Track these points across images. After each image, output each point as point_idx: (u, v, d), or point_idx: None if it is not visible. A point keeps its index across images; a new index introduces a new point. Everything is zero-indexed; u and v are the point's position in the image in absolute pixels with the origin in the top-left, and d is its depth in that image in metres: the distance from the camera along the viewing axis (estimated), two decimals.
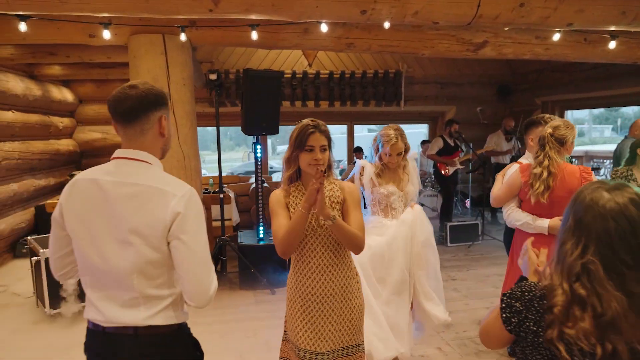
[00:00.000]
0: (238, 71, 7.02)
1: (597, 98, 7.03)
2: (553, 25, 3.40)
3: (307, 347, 1.87)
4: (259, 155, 4.61)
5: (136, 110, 1.35)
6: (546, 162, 2.39)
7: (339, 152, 9.45)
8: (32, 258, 3.99)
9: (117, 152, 1.41)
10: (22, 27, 3.37)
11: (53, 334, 3.68)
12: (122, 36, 4.17)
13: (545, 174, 2.38)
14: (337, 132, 10.45)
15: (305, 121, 1.84)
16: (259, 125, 4.46)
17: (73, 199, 1.38)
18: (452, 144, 6.25)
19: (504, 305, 1.14)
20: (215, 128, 4.69)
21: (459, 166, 6.29)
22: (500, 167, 6.76)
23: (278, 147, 20.36)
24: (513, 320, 1.12)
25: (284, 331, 2.04)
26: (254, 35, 3.71)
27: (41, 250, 3.86)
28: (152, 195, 1.33)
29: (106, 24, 3.61)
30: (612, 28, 3.60)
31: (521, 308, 1.11)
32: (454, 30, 4.47)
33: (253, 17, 3.15)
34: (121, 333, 1.37)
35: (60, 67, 6.38)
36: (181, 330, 1.46)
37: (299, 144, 1.81)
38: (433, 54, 4.65)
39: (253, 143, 4.61)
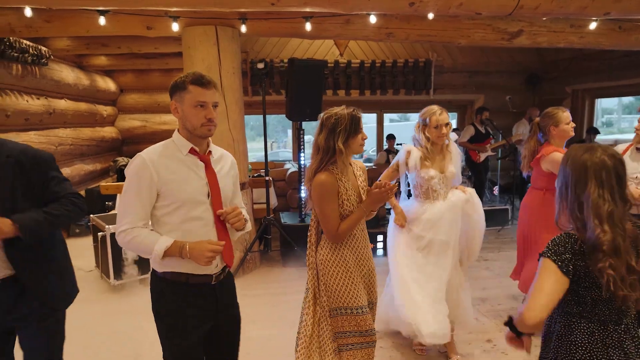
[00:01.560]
0: (272, 60, 7.35)
1: (629, 86, 7.14)
2: (590, 15, 3.62)
3: (371, 299, 2.23)
4: (302, 140, 4.95)
5: None
6: None
7: (368, 140, 9.72)
8: (98, 233, 4.41)
9: None
10: (102, 20, 3.75)
11: (118, 301, 4.10)
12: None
13: None
14: (367, 120, 10.74)
15: (345, 109, 2.06)
16: (303, 112, 4.78)
17: None
18: (483, 131, 6.49)
19: (554, 259, 1.42)
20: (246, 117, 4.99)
21: (490, 153, 6.53)
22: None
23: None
24: (570, 268, 1.41)
25: (334, 309, 2.14)
26: (308, 26, 4.03)
27: (106, 227, 4.28)
28: None
29: (175, 17, 3.96)
30: None
31: (570, 256, 1.42)
32: (490, 20, 4.69)
33: (307, 9, 3.46)
34: None
35: (106, 58, 6.80)
36: (154, 276, 1.86)
37: (355, 129, 2.05)
38: (469, 43, 4.89)
39: (297, 129, 4.93)
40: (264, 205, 5.18)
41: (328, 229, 2.08)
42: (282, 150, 16.55)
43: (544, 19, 4.44)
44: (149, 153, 1.76)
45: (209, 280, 1.84)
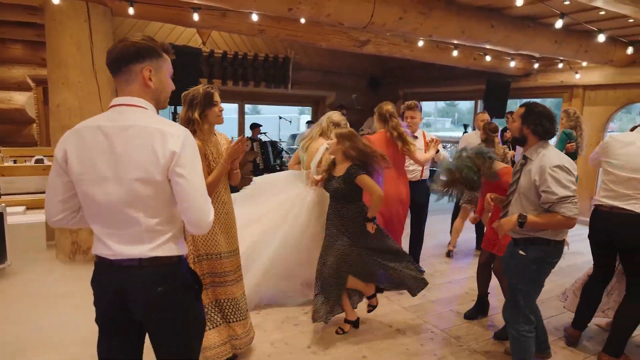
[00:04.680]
0: None
1: (443, 93, 9.23)
2: (420, 35, 4.89)
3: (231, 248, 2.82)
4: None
5: (118, 62, 1.53)
6: None
7: (231, 129, 10.17)
8: None
9: (114, 101, 1.56)
10: None
11: None
12: None
13: None
14: (230, 111, 11.14)
15: (201, 87, 2.55)
16: (177, 97, 5.10)
17: (79, 146, 1.52)
18: None
19: None
20: None
21: None
22: None
23: None
24: None
25: (197, 256, 2.64)
26: (196, 16, 4.40)
27: None
28: (152, 134, 1.49)
29: None
30: (455, 41, 5.28)
31: None
32: (346, 29, 5.76)
33: (197, 1, 3.90)
34: (127, 265, 1.55)
35: None
36: (180, 263, 1.65)
37: (208, 102, 2.55)
38: (329, 46, 5.89)
39: (171, 113, 5.23)
40: None
41: None
42: None
43: (388, 34, 5.68)
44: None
45: None
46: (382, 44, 6.11)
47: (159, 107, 1.63)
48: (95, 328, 1.69)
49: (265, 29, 5.35)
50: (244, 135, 2.55)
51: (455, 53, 6.10)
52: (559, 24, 3.67)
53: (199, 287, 1.71)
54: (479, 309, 3.65)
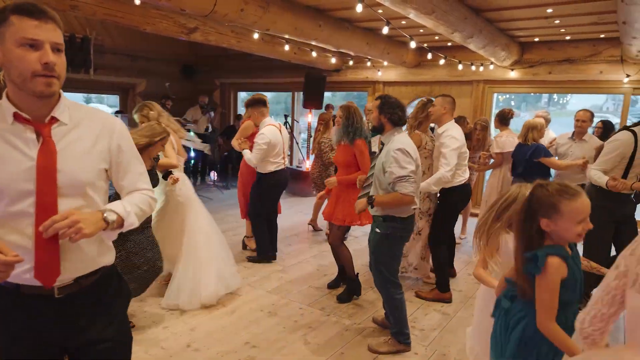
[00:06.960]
0: None
1: (261, 84, 9.72)
2: (259, 28, 5.16)
3: None
4: None
5: None
6: None
7: None
8: None
9: None
10: None
11: None
12: None
13: None
14: None
15: None
16: None
17: None
18: None
19: None
20: None
21: None
22: (200, 136, 8.43)
23: None
24: None
25: None
26: None
27: None
28: None
29: None
30: (287, 36, 5.74)
31: None
32: (173, 14, 5.60)
33: None
34: None
35: None
36: None
37: None
38: (154, 31, 5.62)
39: None
40: None
41: None
42: None
43: (227, 24, 5.75)
44: None
45: (47, 292, 1.38)
46: (210, 33, 6.15)
47: (22, 90, 1.32)
48: None
49: (78, 5, 4.79)
50: None
51: (287, 47, 6.58)
52: (385, 30, 4.42)
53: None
54: (340, 279, 4.24)
